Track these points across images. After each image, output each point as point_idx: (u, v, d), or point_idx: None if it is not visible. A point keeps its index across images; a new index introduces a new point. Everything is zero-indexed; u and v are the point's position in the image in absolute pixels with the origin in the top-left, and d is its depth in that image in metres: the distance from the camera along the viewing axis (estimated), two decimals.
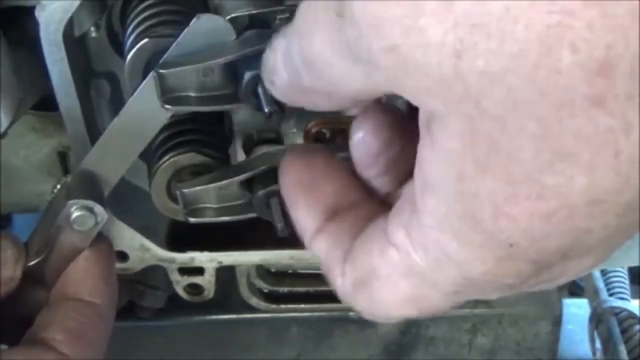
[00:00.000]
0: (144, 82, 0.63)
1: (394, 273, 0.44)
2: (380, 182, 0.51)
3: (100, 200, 0.67)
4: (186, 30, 0.60)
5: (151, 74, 0.61)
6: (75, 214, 0.66)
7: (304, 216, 0.52)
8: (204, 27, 0.59)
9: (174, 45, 0.60)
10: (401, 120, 0.43)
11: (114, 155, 0.67)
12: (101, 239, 0.69)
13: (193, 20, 0.59)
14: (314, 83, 0.45)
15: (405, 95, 0.39)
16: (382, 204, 0.51)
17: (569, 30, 0.33)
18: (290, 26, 0.45)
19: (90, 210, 0.66)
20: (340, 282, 0.49)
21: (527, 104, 0.35)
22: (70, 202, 0.65)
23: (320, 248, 0.51)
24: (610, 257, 0.42)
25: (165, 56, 0.60)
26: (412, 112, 0.43)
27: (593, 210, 0.37)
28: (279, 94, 0.50)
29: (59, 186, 0.69)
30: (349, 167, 0.53)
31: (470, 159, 0.38)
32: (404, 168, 0.49)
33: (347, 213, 0.51)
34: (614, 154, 0.35)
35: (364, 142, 0.50)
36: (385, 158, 0.50)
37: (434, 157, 0.40)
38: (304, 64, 0.44)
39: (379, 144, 0.50)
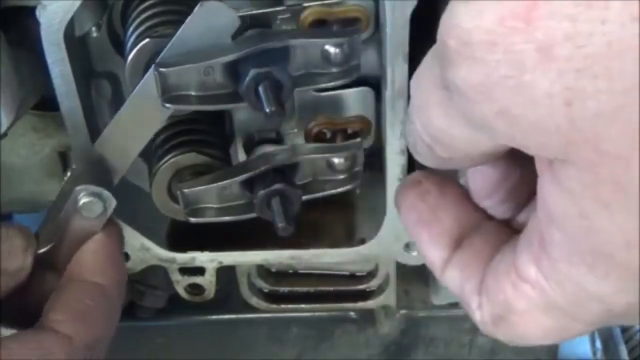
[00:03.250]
0: (151, 69, 0.62)
1: (533, 310, 0.43)
2: (499, 210, 0.50)
3: (109, 186, 0.66)
4: (190, 17, 0.59)
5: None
6: (83, 200, 0.65)
7: (430, 250, 0.51)
8: (207, 14, 0.59)
9: (178, 33, 0.60)
10: None
11: (124, 140, 0.67)
12: (111, 223, 0.69)
13: (197, 7, 0.59)
14: (447, 153, 0.44)
15: (525, 150, 0.39)
16: (503, 224, 0.50)
17: None
18: (411, 102, 0.45)
19: (99, 196, 0.66)
20: (479, 315, 0.48)
21: None
22: (78, 188, 0.65)
23: (452, 281, 0.49)
24: None
25: (169, 45, 0.60)
26: None
27: None
28: (428, 164, 0.48)
29: (68, 173, 0.69)
30: (461, 189, 0.51)
31: (594, 198, 0.37)
32: (524, 194, 0.48)
33: (472, 239, 0.49)
34: None
35: (482, 173, 0.49)
36: (504, 187, 0.49)
37: (556, 193, 0.39)
38: (431, 138, 0.44)
39: (498, 174, 0.48)
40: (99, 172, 0.67)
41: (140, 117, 0.65)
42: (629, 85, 0.33)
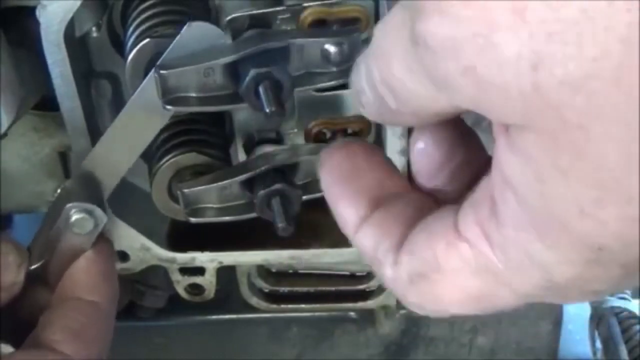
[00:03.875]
0: (143, 83, 0.63)
1: (463, 269, 0.42)
2: (442, 193, 0.49)
3: (99, 203, 0.67)
4: (177, 38, 0.60)
5: (151, 73, 0.61)
6: (75, 217, 0.66)
7: (347, 207, 0.49)
8: (195, 34, 0.60)
9: (167, 51, 0.60)
10: (461, 125, 0.41)
11: (114, 156, 0.68)
12: (102, 239, 0.69)
13: (184, 28, 0.59)
14: (398, 106, 0.43)
15: (485, 114, 0.38)
16: (429, 196, 0.49)
17: None
18: (369, 47, 0.44)
19: (90, 213, 0.66)
20: (391, 272, 0.46)
21: (611, 108, 0.33)
22: (69, 205, 0.66)
23: (366, 239, 0.48)
24: None
25: (160, 60, 0.61)
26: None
27: None
28: (369, 115, 0.47)
29: (59, 190, 0.70)
30: (389, 160, 0.50)
31: (551, 164, 0.36)
32: (468, 176, 0.47)
33: (393, 202, 0.48)
34: None
35: (426, 153, 0.48)
36: (448, 169, 0.48)
37: (513, 158, 0.38)
38: (386, 88, 0.43)
39: (442, 155, 0.47)
40: (89, 189, 0.68)
41: (139, 121, 0.66)
42: (597, 54, 0.33)
